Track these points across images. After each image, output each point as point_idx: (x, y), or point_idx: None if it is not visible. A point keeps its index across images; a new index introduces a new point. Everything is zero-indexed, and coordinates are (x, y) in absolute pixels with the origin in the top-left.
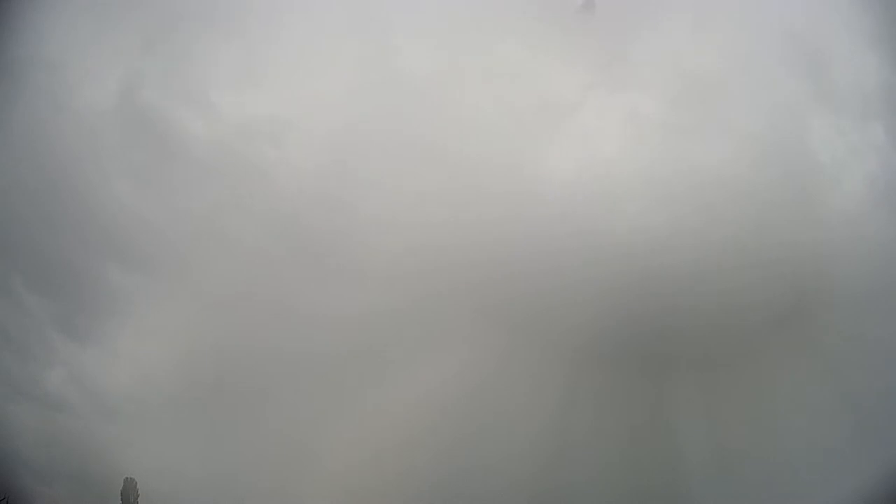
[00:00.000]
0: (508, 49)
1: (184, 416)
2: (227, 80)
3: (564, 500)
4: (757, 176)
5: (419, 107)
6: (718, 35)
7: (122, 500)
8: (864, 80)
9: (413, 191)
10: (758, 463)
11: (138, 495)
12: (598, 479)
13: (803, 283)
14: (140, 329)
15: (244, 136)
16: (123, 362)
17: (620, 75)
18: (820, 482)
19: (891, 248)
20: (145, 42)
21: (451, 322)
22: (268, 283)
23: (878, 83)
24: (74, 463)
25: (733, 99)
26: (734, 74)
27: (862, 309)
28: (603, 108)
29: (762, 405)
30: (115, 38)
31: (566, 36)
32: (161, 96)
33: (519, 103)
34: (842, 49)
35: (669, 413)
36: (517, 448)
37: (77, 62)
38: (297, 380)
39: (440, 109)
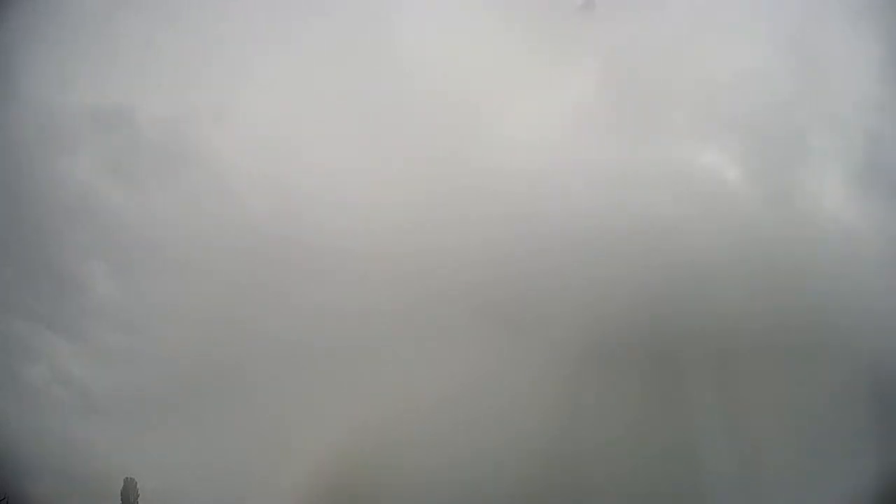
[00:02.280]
0: (499, 45)
1: (181, 413)
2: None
3: (568, 499)
4: (759, 176)
5: (404, 103)
6: (718, 35)
7: (122, 500)
8: (862, 77)
9: (408, 190)
10: (772, 461)
11: (138, 495)
12: (602, 477)
13: (806, 284)
14: (131, 325)
15: (227, 133)
16: (118, 360)
17: (618, 74)
18: (836, 481)
19: (886, 250)
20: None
21: (449, 321)
22: (263, 278)
23: (876, 78)
24: (73, 463)
25: (732, 99)
26: (731, 74)
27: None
28: (606, 108)
29: (772, 404)
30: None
31: (563, 34)
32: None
33: (519, 100)
34: (839, 51)
35: (675, 413)
36: (518, 446)
37: (24, 56)
38: (293, 375)
39: (434, 105)
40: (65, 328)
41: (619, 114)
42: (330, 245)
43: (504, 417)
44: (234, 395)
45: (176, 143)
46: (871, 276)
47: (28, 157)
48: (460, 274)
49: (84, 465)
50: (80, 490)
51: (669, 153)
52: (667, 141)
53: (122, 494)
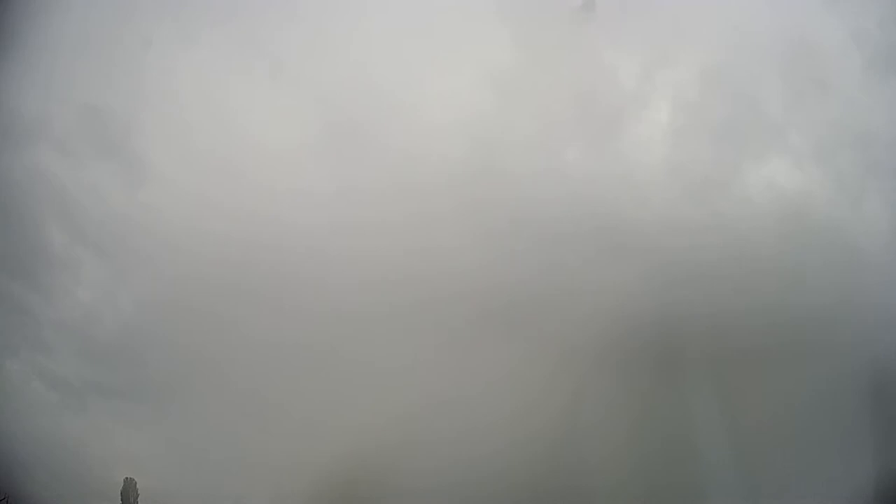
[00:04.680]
0: (499, 47)
1: (181, 414)
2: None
3: (572, 500)
4: (758, 175)
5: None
6: (720, 34)
7: (122, 500)
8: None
9: (408, 190)
10: (772, 461)
11: (138, 495)
12: (605, 479)
13: (806, 284)
14: (130, 325)
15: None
16: (119, 360)
17: (621, 75)
18: (834, 480)
19: (886, 250)
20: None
21: (452, 324)
22: (263, 281)
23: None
24: (73, 463)
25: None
26: (732, 75)
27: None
28: (609, 107)
29: (777, 404)
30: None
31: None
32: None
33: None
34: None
35: (677, 415)
36: (521, 448)
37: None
38: (294, 377)
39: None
40: (60, 326)
41: (652, 124)
42: (331, 247)
43: (506, 420)
44: (234, 396)
45: (167, 143)
46: (871, 276)
47: (8, 152)
48: (463, 277)
49: (83, 466)
50: (79, 490)
51: (668, 152)
52: (664, 140)
53: (122, 494)
